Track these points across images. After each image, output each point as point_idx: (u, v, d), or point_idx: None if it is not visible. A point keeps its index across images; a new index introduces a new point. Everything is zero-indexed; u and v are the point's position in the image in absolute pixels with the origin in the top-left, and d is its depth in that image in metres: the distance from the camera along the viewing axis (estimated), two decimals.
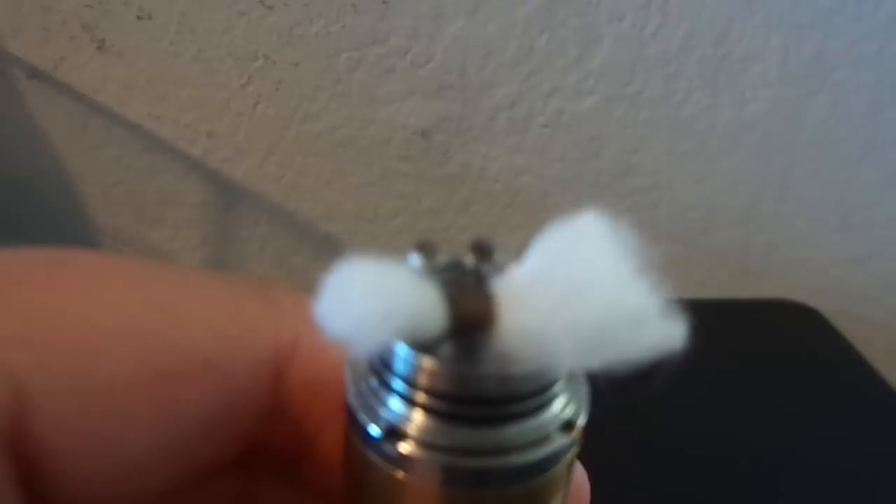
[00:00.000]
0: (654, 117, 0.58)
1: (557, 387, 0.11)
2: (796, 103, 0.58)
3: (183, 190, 0.59)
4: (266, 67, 0.55)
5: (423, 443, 0.10)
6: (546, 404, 0.11)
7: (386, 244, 0.61)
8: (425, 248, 0.11)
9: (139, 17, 0.53)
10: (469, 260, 0.11)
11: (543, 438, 0.11)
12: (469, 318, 0.10)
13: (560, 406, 0.11)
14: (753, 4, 0.55)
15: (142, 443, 0.12)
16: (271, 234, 0.61)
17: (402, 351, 0.10)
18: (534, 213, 0.61)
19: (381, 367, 0.11)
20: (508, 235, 0.62)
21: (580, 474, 0.14)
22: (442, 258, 0.11)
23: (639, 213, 0.61)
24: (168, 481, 0.13)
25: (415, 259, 0.11)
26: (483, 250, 0.11)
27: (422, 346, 0.10)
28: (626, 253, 0.10)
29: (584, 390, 0.11)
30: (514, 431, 0.10)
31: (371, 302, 0.09)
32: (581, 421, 0.11)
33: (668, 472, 0.45)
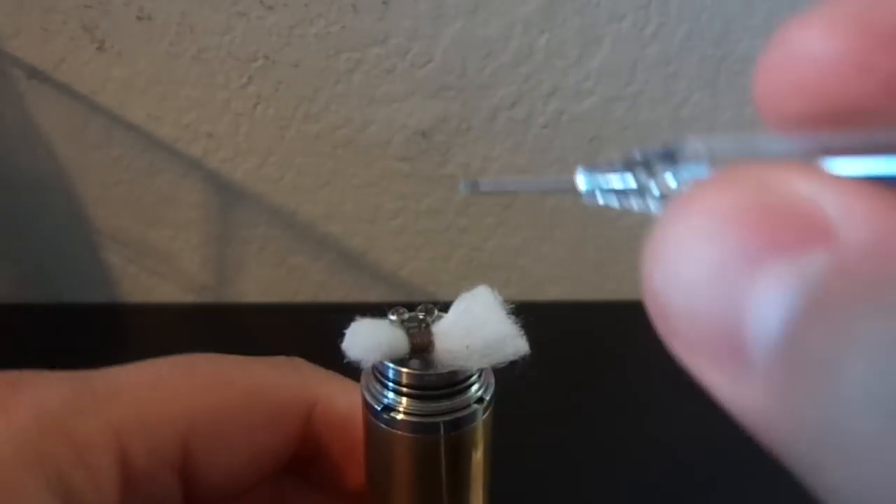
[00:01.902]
0: (654, 117, 0.58)
1: (472, 378, 0.19)
2: None
3: (183, 190, 0.59)
4: (266, 68, 0.55)
5: (404, 412, 0.19)
6: (467, 388, 0.19)
7: (386, 244, 0.61)
8: (397, 311, 0.19)
9: (139, 18, 0.53)
10: (420, 314, 0.19)
11: (467, 406, 0.19)
12: (421, 346, 0.18)
13: (475, 388, 0.19)
14: (753, 4, 0.55)
15: (245, 452, 0.22)
16: (271, 234, 0.61)
17: (389, 365, 0.19)
18: (534, 213, 0.61)
19: (379, 374, 0.19)
20: (508, 235, 0.62)
21: None
22: (405, 315, 0.19)
23: None
24: (251, 479, 0.22)
25: (392, 316, 0.19)
26: (427, 310, 0.19)
27: (399, 362, 0.19)
28: (498, 304, 0.19)
29: (490, 379, 0.20)
30: (450, 403, 0.19)
31: (370, 341, 0.18)
32: (488, 396, 0.19)
33: (665, 470, 0.46)
